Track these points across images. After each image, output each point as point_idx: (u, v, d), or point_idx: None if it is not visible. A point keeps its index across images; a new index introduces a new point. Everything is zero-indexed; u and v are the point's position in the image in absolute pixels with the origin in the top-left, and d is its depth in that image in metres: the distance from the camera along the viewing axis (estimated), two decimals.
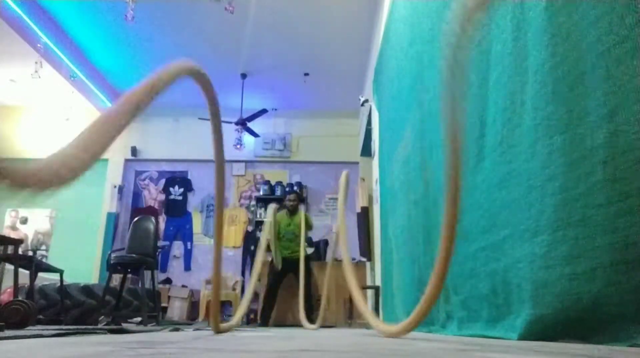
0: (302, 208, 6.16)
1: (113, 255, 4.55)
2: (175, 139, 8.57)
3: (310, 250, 6.42)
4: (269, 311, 5.60)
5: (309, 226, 5.92)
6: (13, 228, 8.23)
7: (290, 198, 6.02)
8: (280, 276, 5.72)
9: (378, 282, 5.37)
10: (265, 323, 5.48)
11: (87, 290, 4.68)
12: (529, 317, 1.52)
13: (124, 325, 3.89)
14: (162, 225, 8.34)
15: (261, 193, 8.40)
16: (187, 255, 8.27)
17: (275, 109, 8.19)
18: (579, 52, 1.32)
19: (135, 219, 4.74)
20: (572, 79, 1.36)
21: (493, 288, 1.83)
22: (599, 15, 1.23)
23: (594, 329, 1.26)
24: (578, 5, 1.34)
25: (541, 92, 1.50)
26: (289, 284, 5.82)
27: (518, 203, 1.64)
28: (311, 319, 5.37)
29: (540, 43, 1.51)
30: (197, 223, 8.45)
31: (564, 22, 1.39)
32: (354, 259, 6.97)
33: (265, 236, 5.07)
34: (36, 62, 6.24)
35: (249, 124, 7.49)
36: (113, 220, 8.11)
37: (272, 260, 5.73)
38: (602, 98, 1.21)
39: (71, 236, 8.06)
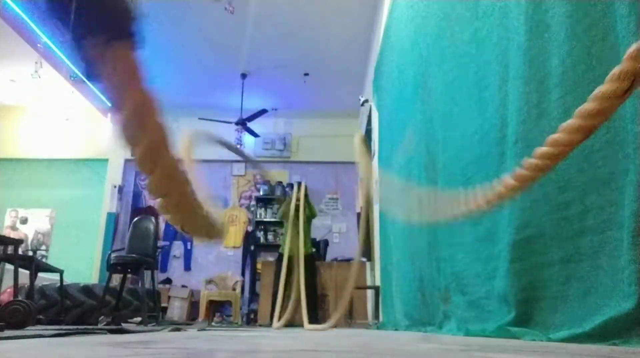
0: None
1: (113, 255, 4.55)
2: (175, 139, 8.56)
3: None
4: (280, 310, 5.58)
5: (313, 214, 5.96)
6: (13, 228, 8.22)
7: (297, 197, 6.06)
8: (287, 274, 5.69)
9: (378, 282, 5.37)
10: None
11: (87, 290, 4.67)
12: (556, 318, 1.49)
13: (124, 325, 3.89)
14: (162, 225, 8.34)
15: (261, 193, 8.40)
16: (187, 255, 8.26)
17: (275, 109, 8.19)
18: (601, 51, 1.31)
19: (135, 219, 4.74)
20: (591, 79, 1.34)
21: (516, 289, 1.77)
22: (622, 14, 1.21)
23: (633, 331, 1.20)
24: (597, 4, 1.33)
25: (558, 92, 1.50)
26: (296, 283, 5.81)
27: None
28: (316, 318, 5.37)
29: (558, 41, 1.50)
30: None
31: (584, 19, 1.38)
32: (354, 259, 6.97)
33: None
34: (36, 62, 6.24)
35: (249, 124, 7.49)
36: (113, 220, 8.10)
37: (277, 258, 5.72)
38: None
39: (71, 236, 8.05)
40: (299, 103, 8.38)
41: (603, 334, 1.24)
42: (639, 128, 1.12)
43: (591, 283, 1.34)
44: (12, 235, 7.69)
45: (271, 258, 7.52)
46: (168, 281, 7.90)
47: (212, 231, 1.00)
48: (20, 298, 3.39)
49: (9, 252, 3.74)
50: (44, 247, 8.08)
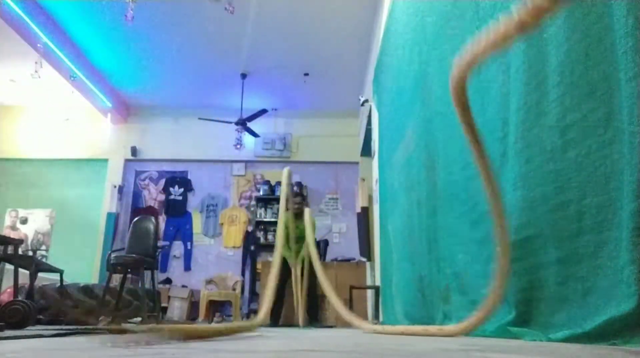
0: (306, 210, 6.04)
1: (113, 255, 4.55)
2: (175, 139, 8.57)
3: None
4: (279, 310, 5.59)
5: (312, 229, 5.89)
6: (13, 228, 8.22)
7: (296, 201, 5.89)
8: (286, 275, 5.69)
9: (378, 282, 5.37)
10: (275, 322, 5.49)
11: (87, 290, 4.67)
12: (556, 319, 1.49)
13: (124, 325, 3.89)
14: (162, 225, 8.34)
15: (261, 193, 8.40)
16: (187, 255, 8.26)
17: (275, 109, 8.19)
18: (599, 51, 1.31)
19: (135, 219, 4.74)
20: (591, 79, 1.34)
21: (516, 289, 1.77)
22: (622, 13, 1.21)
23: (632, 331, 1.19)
24: (595, 5, 1.33)
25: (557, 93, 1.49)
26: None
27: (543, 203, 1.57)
28: (316, 318, 5.37)
29: (557, 42, 1.50)
30: (197, 223, 8.44)
31: (582, 20, 1.38)
32: (353, 259, 6.97)
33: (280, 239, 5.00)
34: (36, 62, 6.23)
35: (249, 124, 7.49)
36: (113, 220, 8.10)
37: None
38: (626, 99, 1.18)
39: (71, 236, 8.05)
40: (299, 103, 8.38)
41: (603, 334, 1.24)
42: (635, 128, 1.12)
43: (591, 283, 1.34)
44: (12, 235, 7.69)
45: (271, 258, 7.52)
46: (168, 281, 7.90)
47: None
48: (20, 298, 3.40)
49: (9, 252, 3.74)
50: (44, 247, 8.08)
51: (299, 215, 5.77)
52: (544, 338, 1.48)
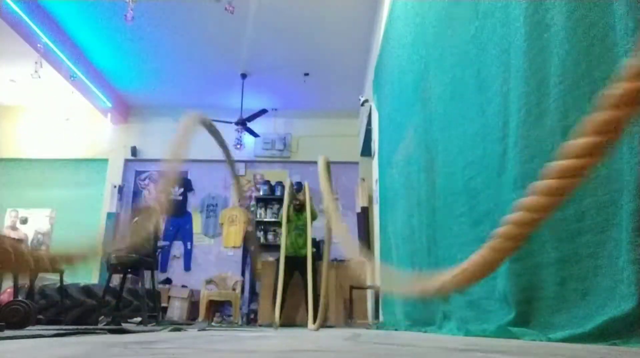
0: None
1: (113, 255, 4.54)
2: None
3: None
4: (279, 310, 5.59)
5: (313, 216, 5.94)
6: (13, 228, 8.22)
7: (298, 197, 6.11)
8: (286, 274, 5.68)
9: (378, 282, 5.36)
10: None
11: (87, 290, 4.67)
12: (556, 319, 1.49)
13: (124, 325, 3.89)
14: (162, 225, 8.33)
15: (261, 193, 8.39)
16: (187, 255, 8.26)
17: (275, 109, 8.19)
18: (600, 51, 1.31)
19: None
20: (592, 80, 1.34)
21: (516, 289, 1.77)
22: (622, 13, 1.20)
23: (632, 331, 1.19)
24: (596, 4, 1.33)
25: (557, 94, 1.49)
26: (296, 283, 5.83)
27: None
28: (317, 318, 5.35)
29: (558, 42, 1.50)
30: (197, 223, 8.44)
31: (583, 20, 1.38)
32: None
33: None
34: (36, 62, 6.23)
35: (249, 124, 7.49)
36: (113, 220, 8.10)
37: (276, 259, 5.74)
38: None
39: (71, 236, 8.05)
40: (299, 103, 8.38)
41: (603, 334, 1.24)
42: (635, 128, 1.12)
43: (591, 284, 1.34)
44: (12, 234, 7.68)
45: (271, 258, 7.52)
46: (168, 281, 7.89)
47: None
48: (20, 298, 3.39)
49: None
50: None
51: (300, 210, 5.90)
52: (544, 338, 1.48)
